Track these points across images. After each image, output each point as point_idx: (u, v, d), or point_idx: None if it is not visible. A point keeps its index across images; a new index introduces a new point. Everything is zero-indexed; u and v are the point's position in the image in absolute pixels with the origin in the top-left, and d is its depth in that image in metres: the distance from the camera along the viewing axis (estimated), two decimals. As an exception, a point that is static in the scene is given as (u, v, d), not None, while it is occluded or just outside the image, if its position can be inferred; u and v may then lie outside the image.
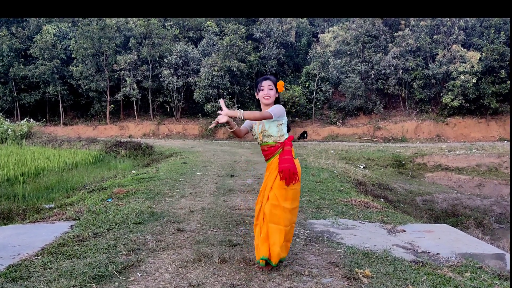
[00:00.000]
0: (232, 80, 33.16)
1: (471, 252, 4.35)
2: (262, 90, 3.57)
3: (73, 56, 35.73)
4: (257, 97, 3.66)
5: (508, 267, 4.19)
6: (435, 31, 30.44)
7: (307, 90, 34.17)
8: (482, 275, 3.61)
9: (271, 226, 3.44)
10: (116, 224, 5.05)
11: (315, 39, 41.33)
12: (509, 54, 26.40)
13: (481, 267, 3.87)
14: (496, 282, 3.50)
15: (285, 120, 3.60)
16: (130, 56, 34.45)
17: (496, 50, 27.09)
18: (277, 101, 3.64)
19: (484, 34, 29.62)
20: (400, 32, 31.30)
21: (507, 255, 4.40)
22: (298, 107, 31.97)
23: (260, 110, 3.66)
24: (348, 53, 34.22)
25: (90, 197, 7.58)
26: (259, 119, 3.43)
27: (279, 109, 3.49)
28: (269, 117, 3.39)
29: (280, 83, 3.59)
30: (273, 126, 3.54)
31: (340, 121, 32.71)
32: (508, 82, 26.75)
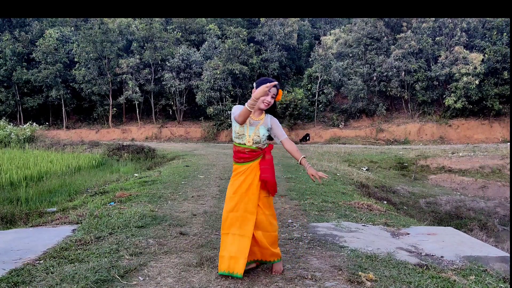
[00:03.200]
0: (234, 83, 33.19)
1: (476, 255, 4.32)
2: (267, 95, 3.46)
3: (75, 60, 35.87)
4: (253, 93, 3.38)
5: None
6: (437, 33, 30.39)
7: (309, 93, 34.15)
8: (487, 278, 3.58)
9: (259, 233, 3.42)
10: (118, 228, 5.04)
11: (317, 42, 41.35)
12: (511, 56, 26.35)
13: (486, 270, 3.84)
14: (501, 285, 3.46)
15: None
16: (132, 59, 34.55)
17: (499, 52, 27.01)
18: (271, 107, 3.61)
19: (487, 35, 29.55)
20: (402, 34, 31.25)
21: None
22: (300, 110, 31.94)
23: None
24: (350, 55, 34.19)
25: (92, 200, 7.58)
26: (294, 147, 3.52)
27: (281, 126, 3.63)
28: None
29: (280, 93, 3.58)
30: (265, 136, 3.52)
31: (343, 124, 32.67)
32: (511, 83, 26.69)
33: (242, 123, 3.47)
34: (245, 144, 3.51)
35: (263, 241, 3.40)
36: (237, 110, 3.47)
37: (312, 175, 3.37)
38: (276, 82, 3.45)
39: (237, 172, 3.55)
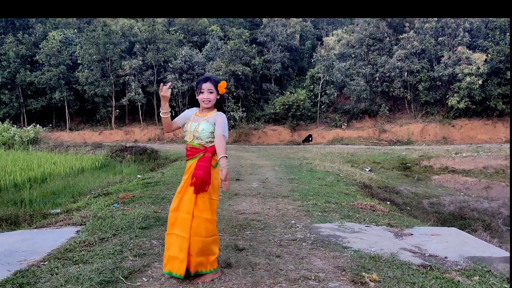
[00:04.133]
0: (237, 84, 33.20)
1: (480, 256, 4.31)
2: (202, 93, 3.42)
3: (78, 62, 35.97)
4: (197, 98, 3.48)
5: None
6: (440, 33, 30.31)
7: (312, 94, 34.14)
8: (491, 279, 3.57)
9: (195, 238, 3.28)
10: (122, 229, 5.06)
11: (319, 43, 41.31)
12: (515, 55, 26.26)
13: (490, 270, 3.83)
14: (505, 285, 3.46)
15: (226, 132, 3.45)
16: (135, 61, 34.63)
17: (502, 52, 26.92)
18: (218, 103, 3.51)
19: (490, 35, 29.46)
20: (404, 35, 31.20)
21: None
22: (303, 111, 31.94)
23: (198, 106, 3.57)
24: (353, 56, 34.16)
25: (96, 202, 7.60)
26: (223, 142, 3.30)
27: (225, 123, 3.41)
28: (225, 139, 3.33)
29: (222, 85, 3.43)
30: (207, 131, 3.38)
31: (345, 124, 32.62)
32: (515, 83, 26.60)
33: (166, 131, 3.56)
34: (189, 141, 3.46)
35: (191, 247, 3.25)
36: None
37: (221, 179, 3.22)
38: (207, 77, 3.43)
39: (186, 170, 3.50)
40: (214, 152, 3.42)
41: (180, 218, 3.31)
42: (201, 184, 3.32)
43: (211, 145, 3.43)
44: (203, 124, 3.39)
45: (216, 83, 3.42)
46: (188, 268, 3.29)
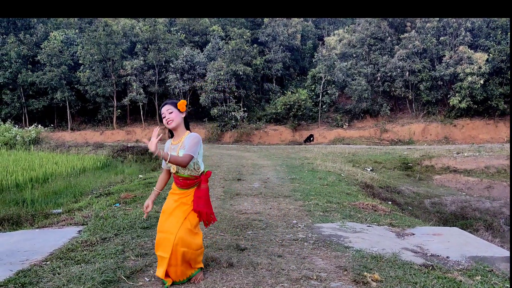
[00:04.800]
0: (238, 84, 33.21)
1: (481, 255, 4.30)
2: (164, 117, 3.43)
3: (80, 62, 36.04)
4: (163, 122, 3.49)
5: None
6: (442, 33, 30.27)
7: (313, 93, 34.14)
8: (493, 279, 3.57)
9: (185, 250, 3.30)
10: (123, 229, 5.06)
11: (320, 42, 41.31)
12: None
13: (492, 270, 3.82)
14: (507, 285, 3.45)
15: (201, 151, 3.46)
16: (136, 61, 34.67)
17: (504, 51, 26.87)
18: (185, 121, 3.53)
19: (491, 35, 29.41)
20: (406, 34, 31.17)
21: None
22: (304, 110, 31.93)
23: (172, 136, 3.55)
24: (354, 55, 34.14)
25: (97, 202, 7.61)
26: (182, 165, 3.26)
27: (195, 142, 3.36)
28: (191, 159, 3.27)
29: (181, 104, 3.44)
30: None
31: (347, 124, 32.61)
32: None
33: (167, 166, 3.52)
34: (177, 173, 3.43)
35: (181, 258, 3.31)
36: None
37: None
38: (167, 103, 3.45)
39: (172, 192, 3.52)
40: (207, 180, 3.50)
41: (164, 239, 3.30)
42: (208, 218, 3.51)
43: (201, 171, 3.48)
44: (181, 153, 3.35)
45: (174, 104, 3.45)
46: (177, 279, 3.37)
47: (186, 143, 3.36)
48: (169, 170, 3.56)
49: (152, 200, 3.57)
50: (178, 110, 3.45)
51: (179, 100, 3.48)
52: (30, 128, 30.39)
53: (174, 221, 3.33)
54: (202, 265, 3.53)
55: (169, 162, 3.16)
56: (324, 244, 4.49)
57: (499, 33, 28.61)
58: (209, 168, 12.76)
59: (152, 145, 3.04)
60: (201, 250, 3.45)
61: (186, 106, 3.38)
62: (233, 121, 32.72)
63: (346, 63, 33.25)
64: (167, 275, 3.33)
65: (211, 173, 3.64)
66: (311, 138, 31.34)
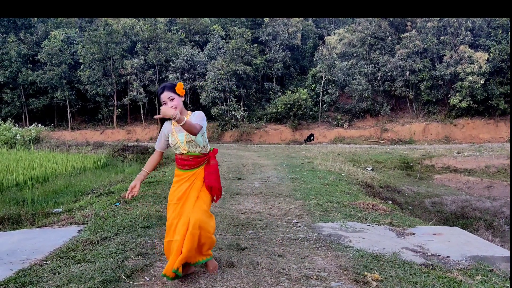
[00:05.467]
0: (238, 84, 33.22)
1: (482, 255, 4.30)
2: (165, 103, 3.35)
3: (80, 61, 36.06)
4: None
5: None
6: (442, 32, 30.26)
7: (314, 93, 34.13)
8: (493, 278, 3.56)
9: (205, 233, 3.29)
10: (124, 228, 5.06)
11: (321, 42, 41.31)
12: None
13: (492, 269, 3.82)
14: (508, 285, 3.45)
15: (205, 128, 3.44)
16: (136, 60, 34.68)
17: (504, 51, 26.85)
18: (185, 106, 3.45)
19: (492, 34, 29.39)
20: (406, 34, 31.16)
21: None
22: (305, 110, 31.94)
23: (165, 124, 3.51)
24: (354, 55, 34.12)
25: (98, 201, 7.62)
26: (194, 132, 3.19)
27: (202, 117, 3.36)
28: (201, 128, 3.25)
29: (179, 87, 3.35)
30: (198, 135, 3.34)
31: (347, 124, 32.60)
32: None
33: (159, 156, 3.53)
34: (189, 152, 3.39)
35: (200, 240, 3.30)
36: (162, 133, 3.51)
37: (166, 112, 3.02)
38: (162, 87, 3.38)
39: (181, 178, 3.44)
40: (215, 156, 3.53)
41: (181, 223, 3.29)
42: (218, 193, 3.50)
43: (208, 149, 3.49)
44: None
45: (173, 89, 3.36)
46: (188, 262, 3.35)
47: (193, 120, 3.31)
48: (162, 152, 3.55)
49: (140, 181, 3.46)
50: (178, 94, 3.38)
51: (176, 84, 3.39)
52: (30, 127, 30.44)
53: (188, 203, 3.34)
54: (211, 254, 3.50)
55: (184, 125, 3.05)
56: (324, 244, 4.49)
57: (500, 32, 28.59)
58: (209, 168, 12.79)
59: (169, 109, 2.98)
60: (213, 234, 3.43)
61: (184, 88, 3.31)
62: (233, 121, 32.72)
63: (346, 63, 33.25)
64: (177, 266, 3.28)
65: (217, 150, 3.64)
66: (312, 138, 31.35)
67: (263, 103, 36.47)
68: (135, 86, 34.52)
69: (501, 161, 18.00)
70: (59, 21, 43.56)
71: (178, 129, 3.41)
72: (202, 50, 37.90)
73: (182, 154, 3.41)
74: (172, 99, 3.35)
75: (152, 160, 3.57)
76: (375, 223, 5.80)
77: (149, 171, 3.57)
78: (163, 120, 3.56)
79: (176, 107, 3.33)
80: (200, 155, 3.43)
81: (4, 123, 31.07)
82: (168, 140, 3.49)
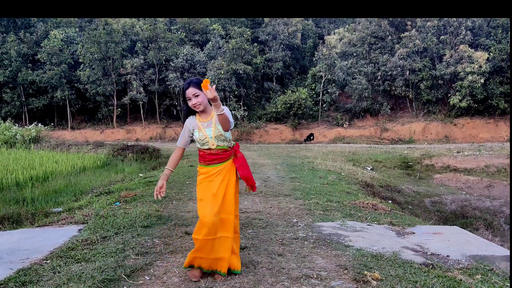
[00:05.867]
0: (238, 83, 33.21)
1: (482, 254, 4.30)
2: (189, 100, 3.34)
3: (80, 60, 36.03)
4: (189, 105, 3.40)
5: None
6: (442, 32, 30.26)
7: (314, 92, 34.12)
8: (493, 277, 3.57)
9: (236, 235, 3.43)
10: (124, 227, 5.06)
11: (321, 41, 41.30)
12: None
13: (492, 269, 3.82)
14: (508, 284, 3.45)
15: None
16: (136, 60, 34.66)
17: (504, 50, 26.84)
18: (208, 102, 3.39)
19: (492, 34, 29.38)
20: (406, 33, 31.15)
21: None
22: (305, 109, 31.93)
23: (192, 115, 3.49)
24: (354, 54, 34.12)
25: (98, 200, 7.61)
26: (227, 125, 3.25)
27: (230, 113, 3.37)
28: (232, 122, 3.31)
29: (205, 84, 3.19)
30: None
31: (347, 123, 32.60)
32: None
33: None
34: (218, 146, 3.40)
35: (234, 245, 3.41)
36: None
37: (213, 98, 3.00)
38: (190, 81, 3.35)
39: (210, 174, 3.41)
40: (239, 149, 3.60)
41: (225, 219, 3.32)
42: (253, 182, 3.55)
43: (233, 144, 3.53)
44: (219, 127, 3.34)
45: (199, 85, 3.31)
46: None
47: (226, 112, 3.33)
48: (184, 149, 3.54)
49: (166, 180, 3.48)
50: (203, 91, 3.32)
51: (202, 80, 3.30)
52: (30, 126, 30.40)
53: (229, 199, 3.36)
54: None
55: (221, 115, 3.09)
56: (324, 243, 4.49)
57: (500, 32, 28.58)
58: (209, 167, 12.79)
59: (212, 92, 2.95)
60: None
61: (209, 84, 3.26)
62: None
63: (346, 62, 33.24)
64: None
65: (239, 145, 3.67)
66: (311, 137, 31.35)
67: (263, 102, 36.46)
68: (135, 86, 34.50)
69: (501, 160, 18.01)
70: (58, 20, 43.52)
71: (206, 124, 3.40)
72: (202, 50, 37.89)
73: (210, 149, 3.39)
74: (197, 96, 3.33)
75: (175, 157, 3.55)
76: (375, 222, 5.81)
77: (173, 169, 3.56)
78: (188, 114, 3.52)
79: (200, 104, 3.33)
80: (228, 149, 3.45)
81: (4, 122, 31.02)
82: (192, 136, 3.46)
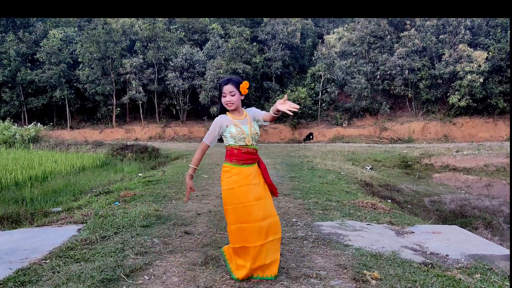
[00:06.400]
0: (237, 83, 33.16)
1: (481, 253, 4.31)
2: (224, 96, 3.34)
3: (79, 60, 35.97)
4: (221, 101, 3.41)
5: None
6: (441, 31, 30.26)
7: (313, 92, 34.11)
8: (492, 277, 3.57)
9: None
10: (123, 227, 5.06)
11: (320, 41, 41.26)
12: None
13: (491, 268, 3.83)
14: (507, 283, 3.46)
15: None
16: (135, 59, 34.62)
17: (503, 49, 26.85)
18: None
19: (491, 33, 29.39)
20: (405, 33, 31.14)
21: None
22: (304, 109, 31.92)
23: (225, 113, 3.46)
24: (354, 54, 34.11)
25: (97, 200, 7.61)
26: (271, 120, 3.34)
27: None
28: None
29: (244, 85, 3.31)
30: (258, 128, 3.46)
31: (346, 122, 32.61)
32: (516, 81, 26.55)
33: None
34: (252, 145, 3.39)
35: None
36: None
37: (283, 107, 3.05)
38: (225, 80, 3.35)
39: (247, 174, 3.31)
40: None
41: (273, 222, 3.30)
42: (275, 190, 3.52)
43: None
44: (255, 125, 3.41)
45: (237, 85, 3.31)
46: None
47: (256, 114, 3.45)
48: (209, 146, 3.45)
49: (192, 178, 3.44)
50: (240, 92, 3.34)
51: (242, 81, 3.33)
52: (29, 126, 30.38)
53: (269, 202, 3.36)
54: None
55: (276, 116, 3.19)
56: (323, 243, 4.49)
57: (499, 31, 28.60)
58: (209, 167, 12.77)
59: (293, 107, 3.02)
60: None
61: (248, 88, 3.25)
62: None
63: (345, 61, 33.22)
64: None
65: None
66: (311, 137, 31.35)
67: (262, 102, 36.42)
68: (134, 85, 34.46)
69: (500, 159, 18.03)
70: (57, 20, 43.45)
71: (240, 121, 3.38)
72: (201, 49, 37.84)
73: (247, 146, 3.34)
74: (233, 95, 3.32)
75: (200, 155, 3.45)
76: (374, 221, 5.81)
77: (197, 166, 3.50)
78: (221, 112, 3.49)
79: (233, 103, 3.33)
80: (255, 149, 3.45)
81: (3, 122, 31.00)
82: (223, 133, 3.40)
